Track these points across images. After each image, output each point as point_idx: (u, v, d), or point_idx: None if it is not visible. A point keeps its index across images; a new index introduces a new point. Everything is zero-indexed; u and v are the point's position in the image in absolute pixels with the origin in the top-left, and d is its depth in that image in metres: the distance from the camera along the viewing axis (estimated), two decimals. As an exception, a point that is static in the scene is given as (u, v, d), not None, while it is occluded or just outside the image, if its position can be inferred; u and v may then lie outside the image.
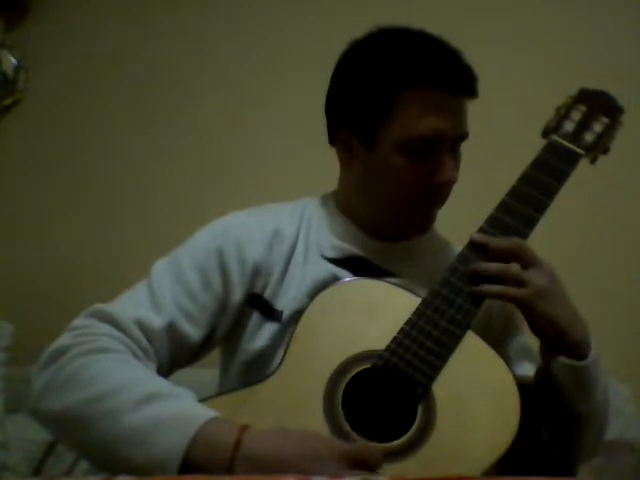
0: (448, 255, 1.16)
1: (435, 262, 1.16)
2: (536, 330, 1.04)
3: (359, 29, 1.16)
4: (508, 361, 1.09)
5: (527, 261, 1.03)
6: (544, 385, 1.06)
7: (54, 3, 2.30)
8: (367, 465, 0.85)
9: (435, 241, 1.24)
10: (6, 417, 1.79)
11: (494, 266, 1.03)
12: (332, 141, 1.19)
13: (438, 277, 1.05)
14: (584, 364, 1.02)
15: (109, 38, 2.25)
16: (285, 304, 1.11)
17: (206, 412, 0.89)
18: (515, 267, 1.03)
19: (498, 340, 1.15)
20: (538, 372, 1.09)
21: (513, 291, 1.02)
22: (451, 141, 1.10)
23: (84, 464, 1.70)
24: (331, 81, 1.18)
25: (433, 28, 1.13)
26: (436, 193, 1.12)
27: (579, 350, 1.02)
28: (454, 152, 1.13)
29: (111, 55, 2.25)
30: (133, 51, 2.24)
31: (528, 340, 1.18)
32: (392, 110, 1.08)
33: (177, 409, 0.89)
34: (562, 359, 1.01)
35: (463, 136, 1.13)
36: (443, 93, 1.08)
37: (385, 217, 1.16)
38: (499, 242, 1.05)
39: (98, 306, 1.05)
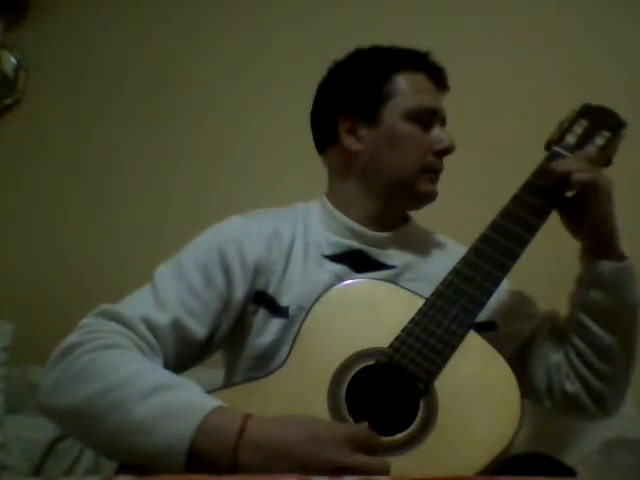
0: (432, 242, 1.31)
1: (423, 249, 1.27)
2: (592, 226, 1.13)
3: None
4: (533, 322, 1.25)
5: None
6: (591, 290, 1.15)
7: (54, 3, 2.30)
8: (366, 448, 0.88)
9: (420, 230, 1.33)
10: (6, 417, 1.79)
11: (593, 150, 1.15)
12: (327, 141, 1.27)
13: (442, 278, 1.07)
14: (630, 263, 1.15)
15: (109, 38, 2.25)
16: (289, 300, 1.15)
17: (211, 401, 0.92)
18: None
19: (511, 321, 1.24)
20: (580, 279, 1.18)
21: (601, 179, 1.10)
22: (442, 119, 1.25)
23: (84, 464, 1.71)
24: (327, 80, 1.29)
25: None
26: (438, 161, 1.24)
27: (620, 252, 1.14)
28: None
29: (111, 55, 2.25)
30: (133, 51, 2.24)
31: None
32: (389, 88, 1.21)
33: (183, 399, 0.92)
34: (612, 263, 1.13)
35: (445, 120, 1.26)
36: (430, 81, 1.24)
37: (397, 189, 1.22)
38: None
39: (105, 306, 1.08)
